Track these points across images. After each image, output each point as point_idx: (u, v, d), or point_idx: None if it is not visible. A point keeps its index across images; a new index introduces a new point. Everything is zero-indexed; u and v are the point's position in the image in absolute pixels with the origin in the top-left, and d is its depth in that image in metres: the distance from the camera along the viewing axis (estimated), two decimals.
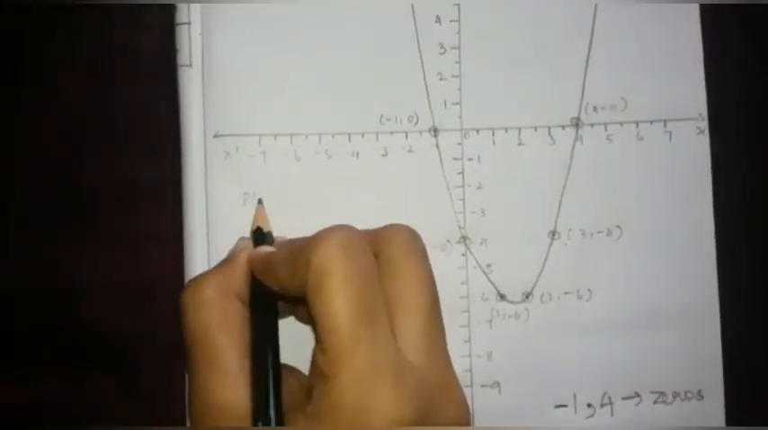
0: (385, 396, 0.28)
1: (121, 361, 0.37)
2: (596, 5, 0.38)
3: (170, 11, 0.37)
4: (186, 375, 0.33)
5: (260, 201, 0.36)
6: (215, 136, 0.37)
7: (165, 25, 0.37)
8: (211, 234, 0.36)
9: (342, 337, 0.28)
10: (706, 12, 0.38)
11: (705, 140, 0.38)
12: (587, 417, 0.38)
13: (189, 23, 0.37)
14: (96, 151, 0.38)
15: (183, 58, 0.37)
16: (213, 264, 0.36)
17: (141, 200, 0.38)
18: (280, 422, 0.30)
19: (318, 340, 0.29)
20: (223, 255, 0.36)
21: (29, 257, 0.37)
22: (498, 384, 0.37)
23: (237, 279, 0.32)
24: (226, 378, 0.30)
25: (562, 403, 0.38)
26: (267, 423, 0.29)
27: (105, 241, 0.37)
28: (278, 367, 0.31)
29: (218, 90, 0.37)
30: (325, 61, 0.37)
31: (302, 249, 0.29)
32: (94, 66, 0.38)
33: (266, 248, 0.33)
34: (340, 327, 0.28)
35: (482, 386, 0.37)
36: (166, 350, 0.37)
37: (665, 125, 0.38)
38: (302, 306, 0.33)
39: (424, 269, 0.31)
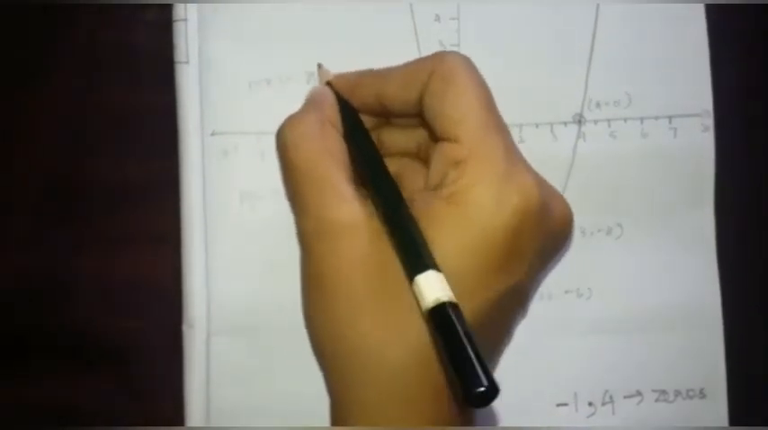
0: (519, 171, 0.31)
1: (121, 361, 0.37)
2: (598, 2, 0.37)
3: (167, 8, 0.37)
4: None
5: (320, 66, 0.36)
6: (212, 134, 0.36)
7: (162, 23, 0.37)
8: (209, 233, 0.36)
9: (477, 126, 0.31)
10: (712, 7, 0.38)
11: (710, 137, 0.38)
12: (588, 416, 0.38)
13: (186, 20, 0.36)
14: (94, 151, 0.38)
15: (179, 55, 0.37)
16: (211, 264, 0.36)
17: (139, 199, 0.37)
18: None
19: (445, 136, 0.32)
20: (221, 254, 0.36)
21: (28, 257, 0.37)
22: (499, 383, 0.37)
23: (329, 109, 0.34)
24: (341, 198, 0.31)
25: (563, 402, 0.38)
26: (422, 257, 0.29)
27: (104, 241, 0.37)
28: (393, 179, 0.32)
29: (215, 87, 0.36)
30: (324, 59, 0.37)
31: (418, 65, 0.33)
32: (93, 64, 0.38)
33: (352, 72, 0.35)
34: (474, 118, 0.31)
35: None
36: (166, 350, 0.37)
37: (670, 121, 0.38)
38: (380, 128, 0.36)
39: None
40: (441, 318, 0.27)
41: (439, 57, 0.33)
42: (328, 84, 0.35)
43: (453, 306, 0.28)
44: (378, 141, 0.35)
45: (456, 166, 0.31)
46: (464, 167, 0.31)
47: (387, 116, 0.35)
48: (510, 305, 0.32)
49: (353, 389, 0.30)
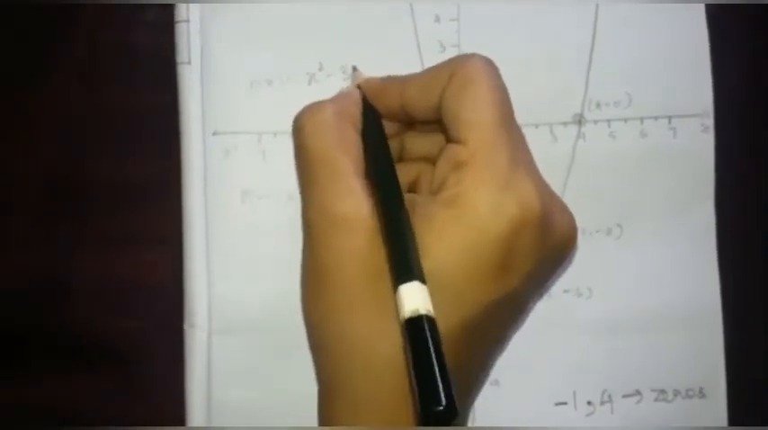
0: (521, 179, 0.30)
1: (121, 361, 0.37)
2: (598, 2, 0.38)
3: (167, 8, 0.37)
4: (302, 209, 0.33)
5: (355, 68, 0.37)
6: (214, 134, 0.36)
7: (162, 23, 0.37)
8: (210, 233, 0.36)
9: (485, 129, 0.31)
10: (712, 7, 0.38)
11: (710, 138, 0.38)
12: (587, 415, 0.38)
13: (188, 21, 0.37)
14: (94, 151, 0.38)
15: (181, 55, 0.37)
16: (213, 264, 0.36)
17: (139, 199, 0.37)
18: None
19: (454, 139, 0.31)
20: (222, 253, 0.36)
21: (28, 258, 0.37)
22: (498, 382, 0.37)
23: (352, 106, 0.34)
24: (348, 191, 0.31)
25: (562, 401, 0.38)
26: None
27: (104, 241, 0.37)
28: (398, 183, 0.32)
29: (217, 88, 0.37)
30: (325, 59, 0.37)
31: (440, 68, 0.33)
32: (93, 64, 0.38)
33: (379, 77, 0.35)
34: (484, 121, 0.31)
35: None
36: (167, 350, 0.37)
37: (669, 121, 0.38)
38: (404, 133, 0.35)
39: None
40: (414, 329, 0.27)
41: (461, 59, 0.32)
42: (358, 86, 0.35)
43: (429, 320, 0.27)
44: (400, 145, 0.35)
45: (458, 169, 0.31)
46: (465, 170, 0.30)
47: (409, 122, 0.35)
48: (504, 314, 0.32)
49: (341, 377, 0.30)
